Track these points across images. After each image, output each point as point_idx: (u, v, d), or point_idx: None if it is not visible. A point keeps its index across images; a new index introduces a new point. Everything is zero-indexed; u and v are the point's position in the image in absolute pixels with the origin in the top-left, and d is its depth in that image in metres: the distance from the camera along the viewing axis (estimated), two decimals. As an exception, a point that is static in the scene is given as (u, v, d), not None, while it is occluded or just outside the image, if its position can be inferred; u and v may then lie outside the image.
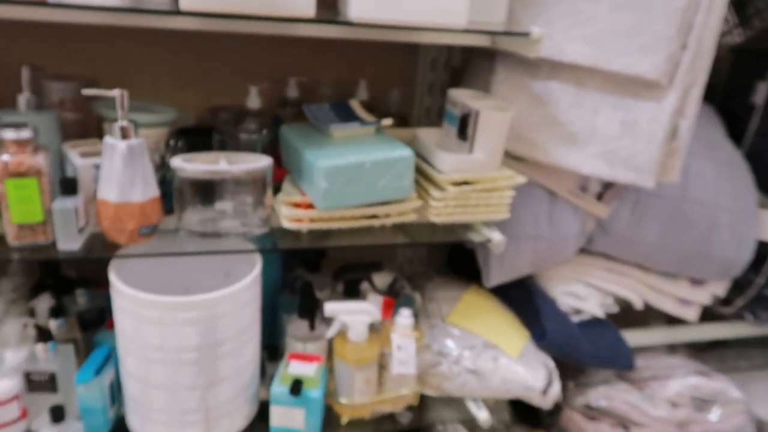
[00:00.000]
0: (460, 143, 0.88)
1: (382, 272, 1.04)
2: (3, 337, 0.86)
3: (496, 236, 0.89)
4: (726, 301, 1.30)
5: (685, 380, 1.17)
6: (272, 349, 0.95)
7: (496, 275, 1.03)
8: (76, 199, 0.75)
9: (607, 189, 1.03)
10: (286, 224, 0.82)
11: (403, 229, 0.91)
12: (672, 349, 1.32)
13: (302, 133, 0.88)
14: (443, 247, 1.31)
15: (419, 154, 0.92)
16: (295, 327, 0.92)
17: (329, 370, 0.91)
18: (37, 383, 0.82)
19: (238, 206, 0.82)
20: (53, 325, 0.88)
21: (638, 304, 1.15)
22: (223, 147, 0.90)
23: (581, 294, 1.09)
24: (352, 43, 1.11)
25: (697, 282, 1.20)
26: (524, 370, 0.96)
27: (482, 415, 0.96)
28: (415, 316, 1.05)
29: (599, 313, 1.08)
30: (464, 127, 0.87)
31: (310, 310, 0.90)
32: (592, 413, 1.15)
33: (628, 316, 1.21)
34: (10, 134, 0.70)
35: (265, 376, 0.93)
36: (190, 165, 0.77)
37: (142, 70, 1.05)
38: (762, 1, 1.03)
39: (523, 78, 0.95)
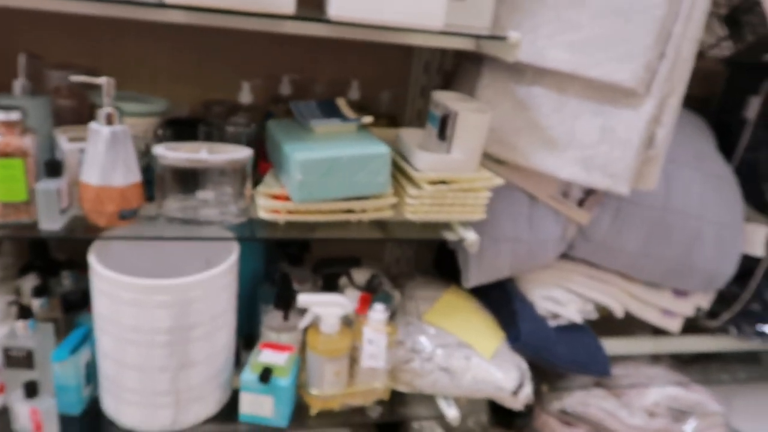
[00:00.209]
0: (440, 143, 0.89)
1: (361, 268, 1.06)
2: (-13, 313, 0.89)
3: (471, 236, 0.90)
4: (712, 314, 1.30)
5: (664, 390, 1.17)
6: (250, 339, 0.97)
7: (475, 276, 1.04)
8: (59, 181, 0.78)
9: (588, 195, 1.03)
10: (263, 215, 0.84)
11: (382, 226, 0.92)
12: (656, 359, 1.32)
13: (286, 128, 0.91)
14: (430, 248, 1.33)
15: (400, 153, 0.93)
16: (271, 317, 0.94)
17: (302, 361, 0.93)
18: (15, 359, 0.84)
19: (218, 196, 0.84)
20: (35, 304, 0.91)
21: (619, 312, 1.16)
22: (209, 138, 0.92)
23: (561, 299, 1.10)
24: (347, 44, 1.13)
25: (680, 293, 1.20)
26: (495, 371, 0.97)
27: (451, 413, 0.97)
28: (393, 313, 1.07)
29: (577, 318, 1.08)
30: (444, 128, 0.88)
31: (285, 301, 0.91)
32: (568, 418, 1.16)
33: (613, 324, 1.22)
34: (-1, 116, 0.73)
35: (240, 364, 0.94)
36: (171, 153, 0.80)
37: (143, 63, 1.08)
38: (754, 15, 1.03)
39: (508, 83, 0.96)
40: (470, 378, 0.96)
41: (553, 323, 1.08)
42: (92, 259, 0.81)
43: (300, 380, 0.94)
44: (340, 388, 0.92)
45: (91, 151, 0.76)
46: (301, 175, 0.78)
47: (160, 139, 0.90)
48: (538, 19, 0.88)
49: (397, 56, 1.17)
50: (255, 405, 0.87)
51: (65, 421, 0.86)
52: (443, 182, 0.88)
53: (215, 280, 0.82)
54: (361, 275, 1.05)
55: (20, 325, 0.84)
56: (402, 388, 0.99)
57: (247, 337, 0.97)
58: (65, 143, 0.82)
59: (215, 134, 0.92)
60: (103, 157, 0.75)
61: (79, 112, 0.98)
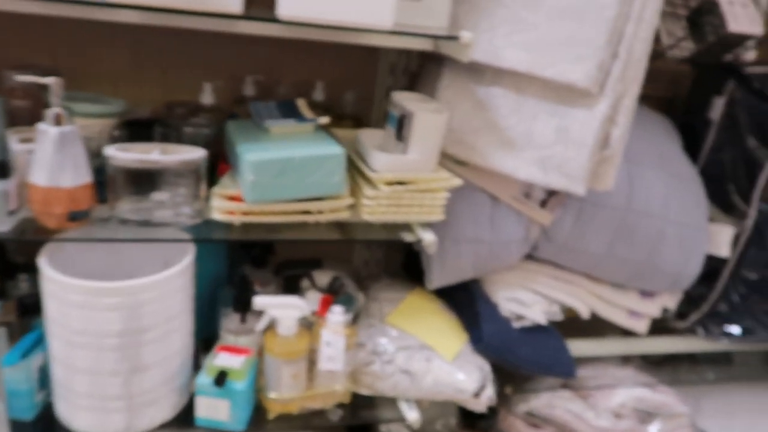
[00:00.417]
0: (398, 144, 0.89)
1: (324, 270, 1.05)
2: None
3: (428, 237, 0.90)
4: (681, 315, 1.31)
5: (630, 392, 1.17)
6: (210, 342, 0.96)
7: (438, 277, 1.04)
8: (7, 182, 0.76)
9: (550, 196, 1.03)
10: (217, 216, 0.83)
11: (341, 227, 0.92)
12: (626, 360, 1.32)
13: (243, 129, 0.90)
14: (399, 250, 1.32)
15: (359, 154, 0.93)
16: (229, 320, 0.93)
17: (260, 364, 0.92)
18: (-36, 363, 0.83)
19: (173, 197, 0.83)
20: (-12, 307, 0.89)
21: (585, 313, 1.16)
22: (165, 139, 0.91)
23: (526, 300, 1.09)
24: (312, 45, 1.13)
25: (646, 294, 1.21)
26: (457, 373, 0.97)
27: (412, 416, 0.96)
28: (356, 315, 1.06)
29: (541, 320, 1.08)
30: (401, 129, 0.88)
31: (243, 304, 0.90)
32: (534, 420, 1.16)
33: (585, 325, 1.22)
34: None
35: (199, 367, 0.93)
36: (121, 154, 0.79)
37: (105, 64, 1.07)
38: (715, 16, 1.04)
39: (467, 83, 0.96)
40: (431, 380, 0.96)
41: (517, 325, 1.08)
42: (42, 261, 0.80)
43: (259, 384, 0.93)
44: (299, 392, 0.91)
45: (39, 151, 0.75)
46: (253, 176, 0.78)
47: (113, 141, 0.89)
48: (494, 19, 0.88)
49: (363, 57, 1.17)
50: (211, 409, 0.86)
51: (17, 426, 0.85)
52: (400, 183, 0.87)
53: (168, 282, 0.81)
54: (324, 277, 1.04)
55: (-30, 329, 0.83)
56: (363, 391, 0.98)
57: (206, 340, 0.96)
58: (15, 144, 0.81)
59: (172, 135, 0.91)
60: (51, 157, 0.74)
61: (33, 113, 0.96)
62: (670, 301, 1.24)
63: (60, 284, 0.77)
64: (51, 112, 0.74)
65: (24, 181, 0.79)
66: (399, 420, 0.98)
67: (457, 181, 0.90)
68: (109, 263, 0.88)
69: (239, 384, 0.85)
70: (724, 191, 1.22)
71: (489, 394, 0.98)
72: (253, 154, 0.77)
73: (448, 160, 0.98)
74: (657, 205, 1.09)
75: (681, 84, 1.34)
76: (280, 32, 0.80)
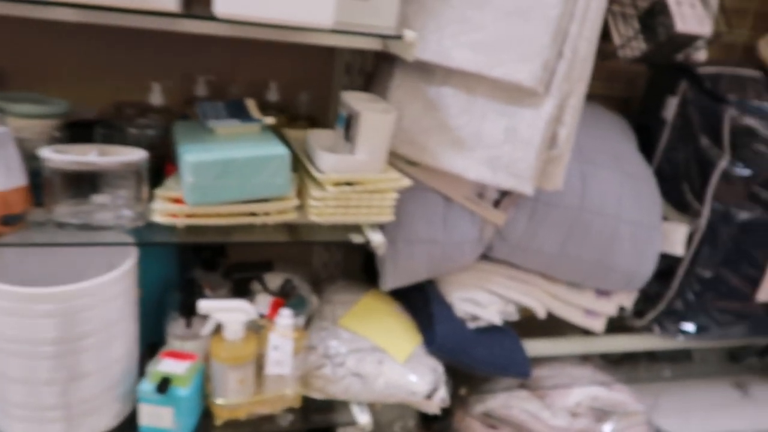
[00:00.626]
0: (346, 144, 0.88)
1: (276, 273, 1.04)
2: None
3: (377, 238, 0.89)
4: (639, 314, 1.32)
5: (585, 391, 1.18)
6: (156, 348, 0.93)
7: (392, 279, 1.03)
8: (-65, 185, 0.74)
9: (504, 196, 1.03)
10: (159, 219, 0.81)
11: (291, 228, 0.91)
12: (585, 359, 1.33)
13: (189, 130, 0.88)
14: (359, 252, 1.31)
15: (307, 154, 0.92)
16: (175, 325, 0.91)
17: (207, 369, 0.90)
18: None
19: (114, 199, 0.81)
20: None
21: (541, 313, 1.16)
22: (107, 141, 0.89)
23: (481, 301, 1.09)
24: (265, 44, 1.12)
25: (602, 293, 1.21)
26: (409, 375, 0.96)
27: (364, 419, 0.95)
28: (309, 318, 1.05)
29: (497, 320, 1.08)
30: (349, 129, 0.87)
31: (188, 308, 0.88)
32: (491, 421, 1.15)
33: (546, 325, 1.22)
34: None
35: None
36: (57, 156, 0.76)
37: (52, 64, 1.04)
38: (666, 17, 1.05)
39: (418, 83, 0.95)
40: (382, 383, 0.95)
41: (472, 325, 1.07)
42: (-27, 267, 0.77)
43: (206, 389, 0.91)
44: (247, 397, 0.89)
45: (-32, 153, 0.72)
46: (192, 177, 0.76)
47: (55, 142, 0.86)
48: (442, 19, 0.88)
49: (318, 57, 1.16)
50: (154, 416, 0.84)
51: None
52: (348, 184, 0.86)
53: (107, 288, 0.79)
54: (276, 280, 1.03)
55: None
56: (314, 395, 0.97)
57: (153, 346, 0.94)
58: (-55, 146, 0.78)
59: (115, 136, 0.89)
60: (-20, 159, 0.72)
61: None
62: (627, 300, 1.24)
63: (-10, 291, 0.74)
64: (-20, 112, 0.72)
65: (-46, 184, 0.77)
66: (351, 423, 0.97)
67: (406, 182, 0.89)
68: (48, 269, 0.86)
69: (183, 390, 0.83)
70: (678, 190, 1.24)
71: (442, 396, 0.98)
72: (193, 155, 0.76)
73: (399, 160, 0.97)
74: (610, 205, 1.10)
75: (637, 84, 1.36)
76: (218, 30, 0.78)
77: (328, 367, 0.95)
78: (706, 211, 1.18)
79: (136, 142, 0.87)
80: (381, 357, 0.97)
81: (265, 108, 1.05)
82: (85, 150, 0.80)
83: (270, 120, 0.87)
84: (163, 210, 0.81)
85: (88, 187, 0.80)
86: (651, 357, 1.44)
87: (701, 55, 1.17)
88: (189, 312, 0.89)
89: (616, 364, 1.39)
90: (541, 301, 1.15)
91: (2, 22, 0.85)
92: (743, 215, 1.17)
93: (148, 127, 0.91)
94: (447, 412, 1.05)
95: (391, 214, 0.90)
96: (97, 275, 0.79)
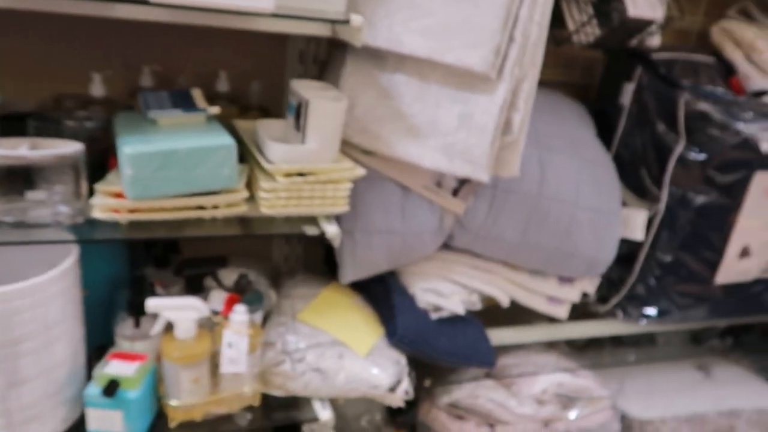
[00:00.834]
0: (297, 134, 0.86)
1: (231, 268, 1.01)
2: None
3: (331, 229, 0.87)
4: (602, 299, 1.33)
5: (551, 378, 1.18)
6: (105, 349, 0.90)
7: (351, 271, 1.01)
8: None
9: (462, 184, 1.02)
10: (99, 214, 0.77)
11: (243, 222, 0.88)
12: (551, 347, 1.33)
13: (131, 121, 0.84)
14: (320, 244, 1.29)
15: (257, 145, 0.89)
16: (124, 325, 0.88)
17: (159, 370, 0.87)
18: None
19: (51, 195, 0.77)
20: None
21: (504, 301, 1.15)
22: (41, 134, 0.85)
23: (443, 291, 1.08)
24: (215, 32, 1.08)
25: (565, 280, 1.21)
26: (370, 368, 0.94)
27: (325, 415, 0.93)
28: (267, 314, 1.02)
29: (460, 310, 1.07)
30: (298, 117, 0.84)
31: (136, 307, 0.85)
32: (458, 412, 1.14)
33: (512, 313, 1.22)
34: None
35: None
36: (-15, 150, 0.72)
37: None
38: (620, 2, 1.05)
39: (371, 70, 0.93)
40: (343, 377, 0.93)
41: (434, 316, 1.06)
42: None
43: (160, 391, 0.87)
44: (202, 397, 0.86)
45: None
46: (131, 170, 0.73)
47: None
48: (392, 5, 0.86)
49: (270, 45, 1.13)
50: (103, 421, 0.81)
51: None
52: (300, 174, 0.84)
53: (44, 288, 0.75)
54: (232, 275, 1.00)
55: None
56: (274, 392, 0.95)
57: (102, 348, 0.90)
58: None
59: (50, 129, 0.85)
60: None
61: None
62: (589, 286, 1.25)
63: None
64: None
65: None
66: (314, 420, 0.95)
67: (360, 171, 0.87)
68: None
69: (132, 393, 0.80)
70: (636, 176, 1.24)
71: (405, 388, 0.96)
72: (131, 147, 0.72)
73: (354, 150, 0.95)
74: (569, 191, 1.09)
75: (595, 71, 1.36)
76: (152, 16, 0.74)
77: (287, 363, 0.93)
78: (664, 196, 1.19)
79: (73, 135, 0.83)
80: (341, 351, 0.95)
81: (215, 98, 1.02)
82: (15, 144, 0.76)
83: (215, 109, 0.84)
84: (104, 205, 0.77)
85: (22, 184, 0.76)
86: (616, 342, 1.45)
87: (655, 40, 1.18)
88: (137, 311, 0.86)
89: (581, 350, 1.39)
90: (504, 289, 1.15)
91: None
92: (700, 199, 1.18)
93: (86, 120, 0.87)
94: (413, 405, 1.03)
95: (346, 205, 0.88)
96: (35, 276, 0.75)
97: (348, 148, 0.95)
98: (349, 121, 0.92)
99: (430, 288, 1.08)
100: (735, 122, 1.14)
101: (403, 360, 0.99)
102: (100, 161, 0.88)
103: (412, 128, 0.90)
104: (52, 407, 0.80)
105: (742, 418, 1.30)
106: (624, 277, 1.28)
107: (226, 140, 0.77)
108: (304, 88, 0.85)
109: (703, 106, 1.15)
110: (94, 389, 0.79)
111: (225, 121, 0.89)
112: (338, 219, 0.93)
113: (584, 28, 1.07)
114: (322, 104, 0.81)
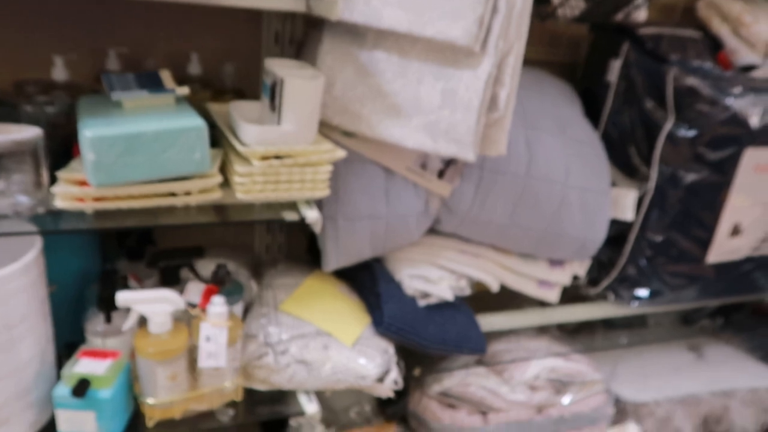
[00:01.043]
0: (272, 115, 0.81)
1: (209, 258, 0.96)
2: None
3: (312, 214, 0.83)
4: (593, 282, 1.30)
5: (543, 363, 1.15)
6: (75, 347, 0.85)
7: (334, 259, 0.97)
8: None
9: (448, 166, 0.98)
10: (61, 203, 0.72)
11: (219, 209, 0.83)
12: (542, 331, 1.31)
13: (95, 105, 0.79)
14: (303, 232, 1.25)
15: (231, 128, 0.84)
16: (95, 321, 0.83)
17: (134, 367, 0.82)
18: None
19: (9, 185, 0.72)
20: None
21: (494, 286, 1.12)
22: (-1, 120, 0.80)
23: (431, 277, 1.05)
24: (186, 13, 1.03)
25: (556, 263, 1.19)
26: (357, 358, 0.90)
27: (311, 409, 0.89)
28: (248, 305, 0.98)
29: (448, 296, 1.03)
30: (273, 97, 0.80)
31: (107, 301, 0.80)
32: (449, 400, 1.12)
33: (503, 298, 1.19)
34: None
35: (65, 376, 0.83)
36: (-65, 137, 0.67)
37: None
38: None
39: (350, 48, 0.89)
40: (329, 368, 0.89)
41: (423, 303, 1.03)
42: None
43: (136, 389, 0.83)
44: (180, 394, 0.82)
45: None
46: (94, 155, 0.68)
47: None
48: (370, -24, 0.81)
49: (245, 26, 1.08)
50: (74, 423, 0.76)
51: None
52: (277, 157, 0.80)
53: (5, 283, 0.70)
54: (209, 266, 0.95)
55: None
56: (257, 386, 0.91)
57: (73, 345, 0.85)
58: None
59: (9, 115, 0.79)
60: None
61: None
62: (580, 269, 1.22)
63: None
64: None
65: None
66: (299, 414, 0.91)
67: (340, 153, 0.83)
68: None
69: (104, 392, 0.76)
70: (625, 154, 1.21)
71: (394, 378, 0.93)
72: (92, 130, 0.67)
73: (334, 132, 0.91)
74: (558, 171, 1.06)
75: (581, 49, 1.33)
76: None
77: (269, 355, 0.89)
78: (653, 175, 1.16)
79: (33, 121, 0.78)
80: (326, 341, 0.91)
81: (187, 82, 0.96)
82: (-30, 130, 0.71)
83: (184, 90, 0.79)
84: (67, 194, 0.73)
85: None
86: (607, 324, 1.43)
87: (641, 14, 1.14)
88: (108, 306, 0.81)
89: (573, 333, 1.37)
90: (493, 274, 1.12)
91: None
92: (690, 177, 1.15)
93: (47, 105, 0.82)
94: (403, 395, 1.00)
95: (327, 189, 0.84)
96: (0, 271, 0.71)
97: (328, 129, 0.91)
98: (328, 101, 0.88)
99: (418, 274, 1.04)
100: (724, 97, 1.11)
101: (391, 349, 0.96)
102: (64, 149, 0.83)
103: (393, 107, 0.86)
104: (21, 410, 0.75)
105: (736, 397, 1.29)
106: (614, 259, 1.26)
107: (196, 121, 0.73)
108: (278, 67, 0.81)
109: (692, 81, 1.12)
110: (63, 389, 0.75)
111: (198, 105, 0.85)
112: (319, 204, 0.89)
113: (569, 1, 1.03)
114: (298, 83, 0.77)
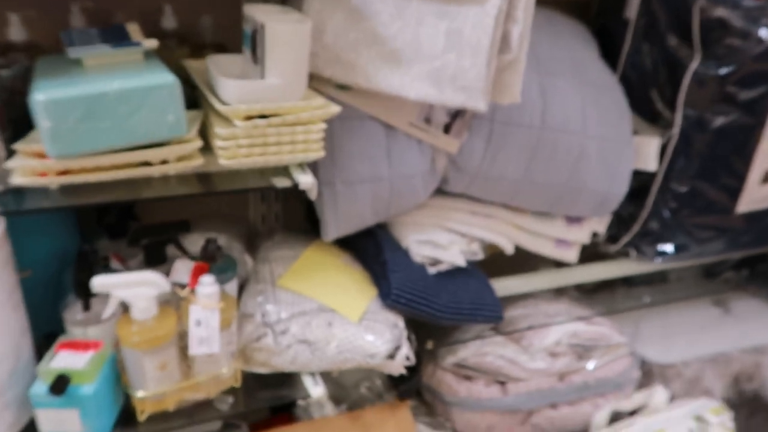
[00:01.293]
0: (255, 68, 0.71)
1: (196, 233, 0.88)
2: None
3: (305, 179, 0.74)
4: (612, 239, 1.22)
5: (564, 328, 1.08)
6: (54, 338, 0.78)
7: (334, 227, 0.89)
8: None
9: (455, 119, 0.89)
10: (21, 179, 0.64)
11: (203, 178, 0.75)
12: (560, 293, 1.23)
13: (52, 65, 0.70)
14: (300, 201, 1.16)
15: (210, 85, 0.75)
16: (73, 309, 0.75)
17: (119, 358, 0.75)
18: None
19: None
20: None
21: (509, 248, 1.04)
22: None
23: (441, 241, 0.96)
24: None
25: (573, 220, 1.10)
26: (365, 335, 0.83)
27: (317, 391, 0.82)
28: (243, 282, 0.90)
29: (460, 261, 0.95)
30: (255, 48, 0.70)
31: (83, 286, 0.72)
32: (465, 372, 1.05)
33: (517, 261, 1.11)
34: None
35: (46, 370, 0.75)
36: None
37: None
38: None
39: (339, -12, 0.78)
40: (334, 347, 0.82)
41: (432, 270, 0.95)
42: None
43: (124, 381, 0.76)
44: (172, 384, 0.75)
45: None
46: (49, 121, 0.59)
47: None
48: None
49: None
50: (57, 422, 0.69)
51: None
52: (263, 116, 0.70)
53: (-38, 273, 0.62)
54: (198, 241, 0.87)
55: None
56: (258, 370, 0.84)
57: (53, 336, 0.78)
58: None
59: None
60: None
61: None
62: (599, 225, 1.14)
63: None
64: None
65: None
66: (305, 397, 0.84)
67: (334, 109, 0.73)
68: None
69: (87, 387, 0.69)
70: (647, 99, 1.11)
71: (405, 353, 0.85)
72: (45, 92, 0.58)
73: (327, 85, 0.81)
74: (575, 120, 0.96)
75: (593, -16, 1.21)
76: None
77: (269, 336, 0.82)
78: (678, 120, 1.06)
79: (-16, 88, 0.69)
80: (330, 318, 0.83)
81: (162, 38, 0.86)
82: None
83: (152, 42, 0.69)
84: (27, 168, 0.64)
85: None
86: (627, 282, 1.35)
87: (665, -62, 1.02)
88: (85, 291, 0.73)
89: (591, 293, 1.30)
90: (507, 235, 1.03)
91: None
92: (718, 120, 1.05)
93: (3, 68, 0.72)
94: (415, 370, 0.93)
95: (321, 150, 0.75)
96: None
97: (319, 83, 0.81)
98: (318, 51, 0.78)
99: (426, 239, 0.96)
100: (757, 29, 1.00)
101: (401, 323, 0.88)
102: (24, 118, 0.74)
103: (391, 53, 0.76)
104: (-5, 410, 0.68)
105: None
106: (635, 213, 1.17)
107: (167, 78, 0.63)
108: (259, 12, 0.71)
109: (721, 12, 1.01)
110: (41, 387, 0.68)
111: (174, 63, 0.75)
112: (314, 168, 0.80)
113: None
114: (281, 28, 0.67)
